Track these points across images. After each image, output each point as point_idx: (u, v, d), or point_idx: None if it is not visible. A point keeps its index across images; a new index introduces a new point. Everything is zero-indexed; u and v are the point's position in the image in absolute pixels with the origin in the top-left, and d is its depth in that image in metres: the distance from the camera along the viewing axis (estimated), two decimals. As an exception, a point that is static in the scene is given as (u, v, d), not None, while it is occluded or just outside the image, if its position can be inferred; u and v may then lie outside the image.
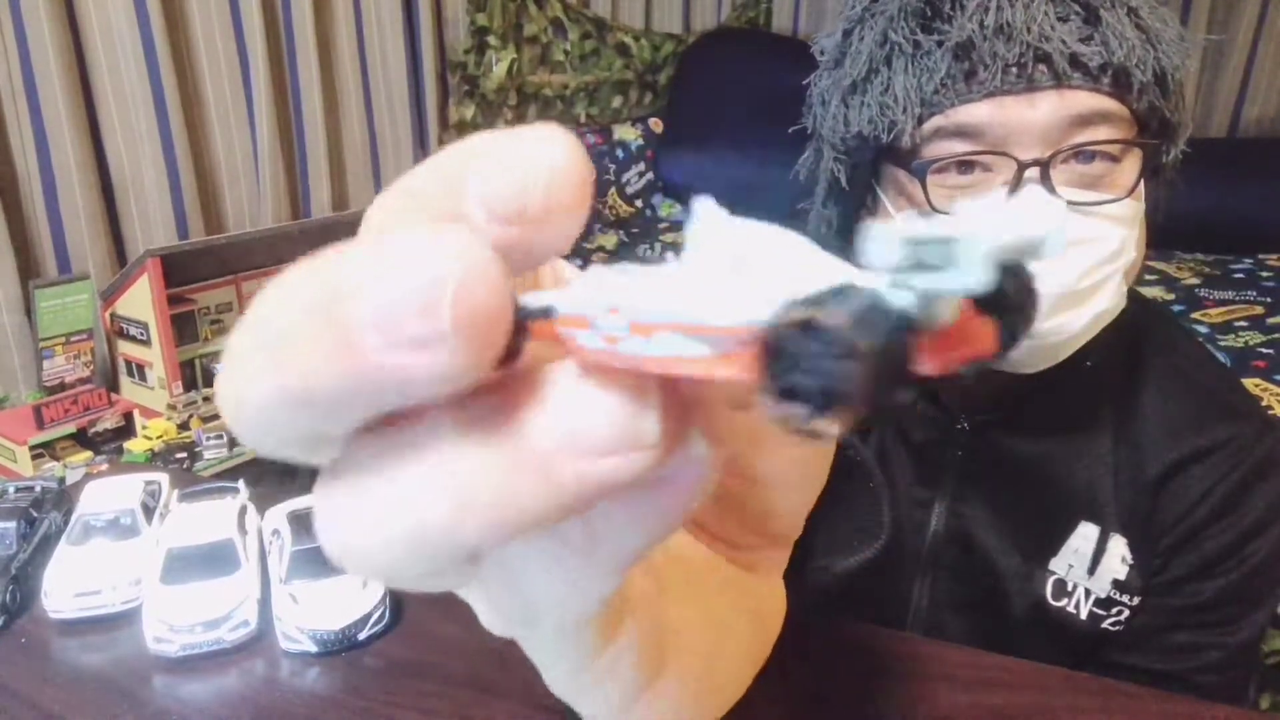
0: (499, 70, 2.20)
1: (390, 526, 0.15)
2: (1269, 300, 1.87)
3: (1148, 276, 2.04)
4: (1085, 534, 0.65)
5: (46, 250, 1.61)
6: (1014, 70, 0.55)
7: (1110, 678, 0.67)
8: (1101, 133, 0.56)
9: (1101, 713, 0.52)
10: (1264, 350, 1.62)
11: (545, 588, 0.18)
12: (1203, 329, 1.73)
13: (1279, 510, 0.66)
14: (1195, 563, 0.65)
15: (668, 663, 0.24)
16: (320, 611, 0.56)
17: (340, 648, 0.56)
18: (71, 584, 0.59)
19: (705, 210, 0.15)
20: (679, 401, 0.15)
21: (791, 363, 0.12)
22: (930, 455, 0.69)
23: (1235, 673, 0.67)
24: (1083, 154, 0.57)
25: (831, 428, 0.12)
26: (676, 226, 2.52)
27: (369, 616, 0.57)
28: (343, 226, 1.84)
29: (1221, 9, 2.51)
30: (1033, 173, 0.56)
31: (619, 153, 2.59)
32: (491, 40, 2.20)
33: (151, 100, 1.67)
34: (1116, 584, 0.65)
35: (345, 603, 0.57)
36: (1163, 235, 2.29)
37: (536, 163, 0.15)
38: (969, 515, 0.68)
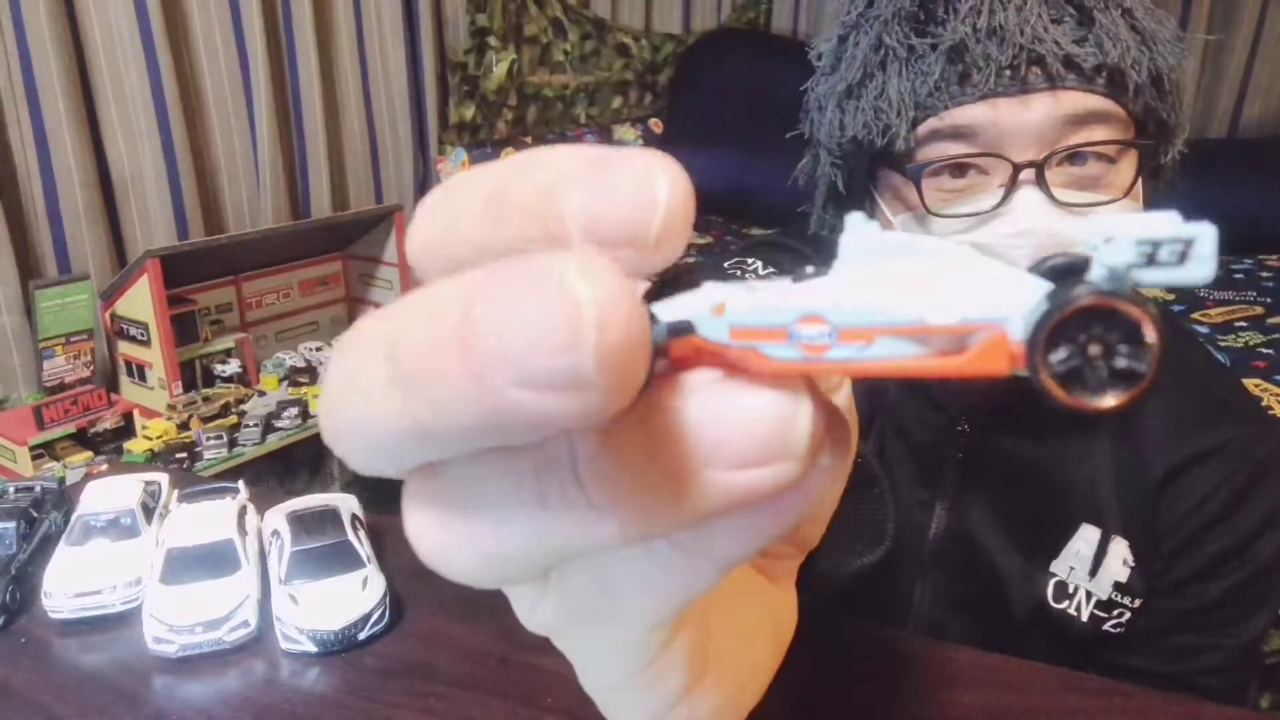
0: (499, 71, 2.20)
1: (496, 552, 0.15)
2: (1269, 301, 1.87)
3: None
4: (1086, 537, 0.65)
5: (46, 250, 1.61)
6: (1007, 72, 0.55)
7: (1112, 679, 0.68)
8: (1097, 134, 0.56)
9: (1101, 713, 0.52)
10: (1264, 350, 1.62)
11: (638, 586, 0.18)
12: (1203, 329, 1.73)
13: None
14: (1198, 565, 0.65)
15: (708, 668, 0.24)
16: (320, 612, 0.56)
17: (340, 648, 0.56)
18: (71, 584, 0.59)
19: (857, 223, 0.16)
20: (822, 411, 0.15)
21: (1076, 350, 0.14)
22: (931, 456, 0.68)
23: (1237, 674, 0.67)
24: (1078, 155, 0.57)
25: (1121, 403, 0.14)
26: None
27: (369, 616, 0.57)
28: (343, 226, 1.84)
29: (1221, 9, 2.51)
30: (1027, 174, 0.55)
31: (619, 153, 2.59)
32: (491, 41, 2.20)
33: (151, 100, 1.67)
34: (1118, 586, 0.65)
35: (345, 603, 0.57)
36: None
37: (653, 190, 0.14)
38: (970, 516, 0.68)
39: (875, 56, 0.60)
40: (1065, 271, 0.15)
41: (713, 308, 0.15)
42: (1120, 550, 0.65)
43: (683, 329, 0.15)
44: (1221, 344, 1.65)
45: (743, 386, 0.15)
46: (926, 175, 0.59)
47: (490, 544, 0.16)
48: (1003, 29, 0.55)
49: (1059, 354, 0.14)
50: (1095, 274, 0.14)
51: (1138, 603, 0.66)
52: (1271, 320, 1.77)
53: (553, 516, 0.15)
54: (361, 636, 0.56)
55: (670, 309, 0.15)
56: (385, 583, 0.59)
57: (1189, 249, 0.14)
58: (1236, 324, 1.76)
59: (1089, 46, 0.55)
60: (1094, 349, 0.14)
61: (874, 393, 0.70)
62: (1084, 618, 0.65)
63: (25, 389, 1.56)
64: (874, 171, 0.64)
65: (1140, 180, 0.59)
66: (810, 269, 0.16)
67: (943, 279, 0.15)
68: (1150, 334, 0.14)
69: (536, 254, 0.14)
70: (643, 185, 0.15)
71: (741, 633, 0.26)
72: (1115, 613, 0.65)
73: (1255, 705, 1.40)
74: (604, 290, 0.13)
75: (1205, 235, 0.14)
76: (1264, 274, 2.03)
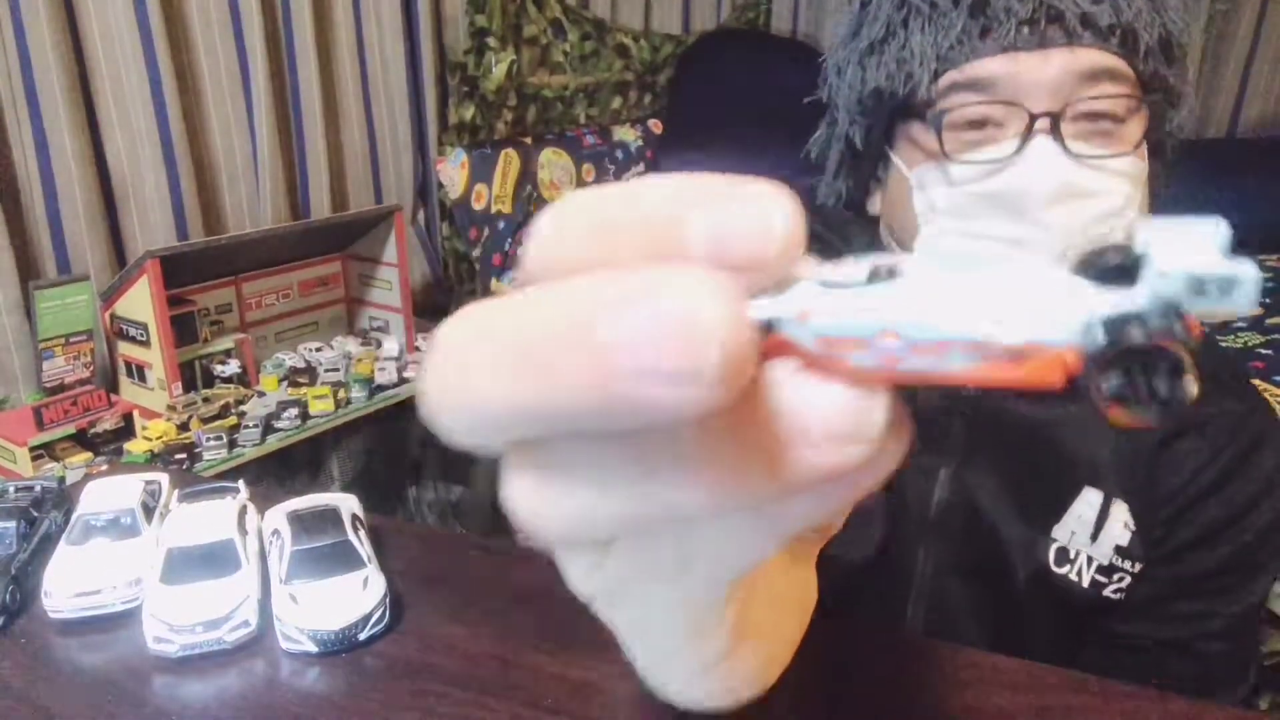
0: (498, 71, 2.20)
1: (594, 517, 0.17)
2: (1268, 301, 1.87)
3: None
4: (1089, 499, 0.66)
5: (46, 251, 1.61)
6: (1026, 28, 0.57)
7: (1114, 650, 0.68)
8: (1109, 90, 0.58)
9: (1101, 713, 0.52)
10: (1262, 351, 1.62)
11: (711, 550, 0.20)
12: (1202, 329, 1.74)
13: (1276, 480, 0.67)
14: (1196, 532, 0.66)
15: (746, 635, 0.25)
16: (320, 611, 0.56)
17: (340, 648, 0.56)
18: (71, 584, 0.59)
19: (926, 237, 0.19)
20: (893, 403, 0.17)
21: (1126, 377, 0.16)
22: (935, 423, 0.69)
23: (1237, 642, 0.68)
24: (1090, 112, 0.58)
25: (1160, 424, 0.16)
26: (676, 227, 2.52)
27: (369, 616, 0.57)
28: (342, 227, 1.84)
29: (1220, 9, 2.51)
30: (1043, 124, 0.57)
31: (618, 153, 2.59)
32: (491, 41, 2.20)
33: (151, 101, 1.67)
34: (1119, 550, 0.66)
35: (345, 603, 0.57)
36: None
37: (773, 218, 0.16)
38: (973, 482, 0.68)
39: (899, 15, 0.62)
40: (1117, 273, 0.16)
41: (799, 313, 0.17)
42: (1121, 513, 0.66)
43: (772, 326, 0.17)
44: (1220, 344, 1.66)
45: (827, 378, 0.17)
46: (946, 127, 0.60)
47: (589, 510, 0.17)
48: None
49: (1110, 380, 0.16)
50: (1145, 298, 0.16)
51: (1137, 567, 0.67)
52: (1270, 321, 1.77)
53: (653, 487, 0.16)
54: (361, 636, 0.57)
55: (760, 308, 0.17)
56: (385, 583, 0.59)
57: (1233, 286, 0.15)
58: (1235, 324, 1.76)
59: (1105, 5, 0.57)
60: (1140, 378, 0.16)
61: None
62: (1085, 583, 0.66)
63: (25, 390, 1.56)
64: (890, 130, 0.66)
65: (1146, 143, 0.61)
66: (886, 266, 0.17)
67: (1008, 291, 0.17)
68: (1190, 379, 0.16)
69: (664, 264, 0.15)
70: (765, 214, 0.16)
71: (775, 604, 0.28)
72: (1115, 578, 0.66)
73: (1255, 706, 1.40)
74: (727, 303, 0.14)
75: (1249, 277, 0.15)
76: (1263, 274, 2.03)
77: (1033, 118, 0.57)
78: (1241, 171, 2.19)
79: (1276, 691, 1.41)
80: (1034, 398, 0.67)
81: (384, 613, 0.58)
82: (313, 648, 0.56)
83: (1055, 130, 0.57)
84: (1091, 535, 0.66)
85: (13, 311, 1.54)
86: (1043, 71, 0.57)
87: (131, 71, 1.64)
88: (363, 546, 0.61)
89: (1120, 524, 0.66)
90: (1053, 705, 0.52)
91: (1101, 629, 0.68)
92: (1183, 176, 0.67)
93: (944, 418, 0.68)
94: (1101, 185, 0.58)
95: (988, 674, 0.55)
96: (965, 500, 0.69)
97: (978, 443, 0.68)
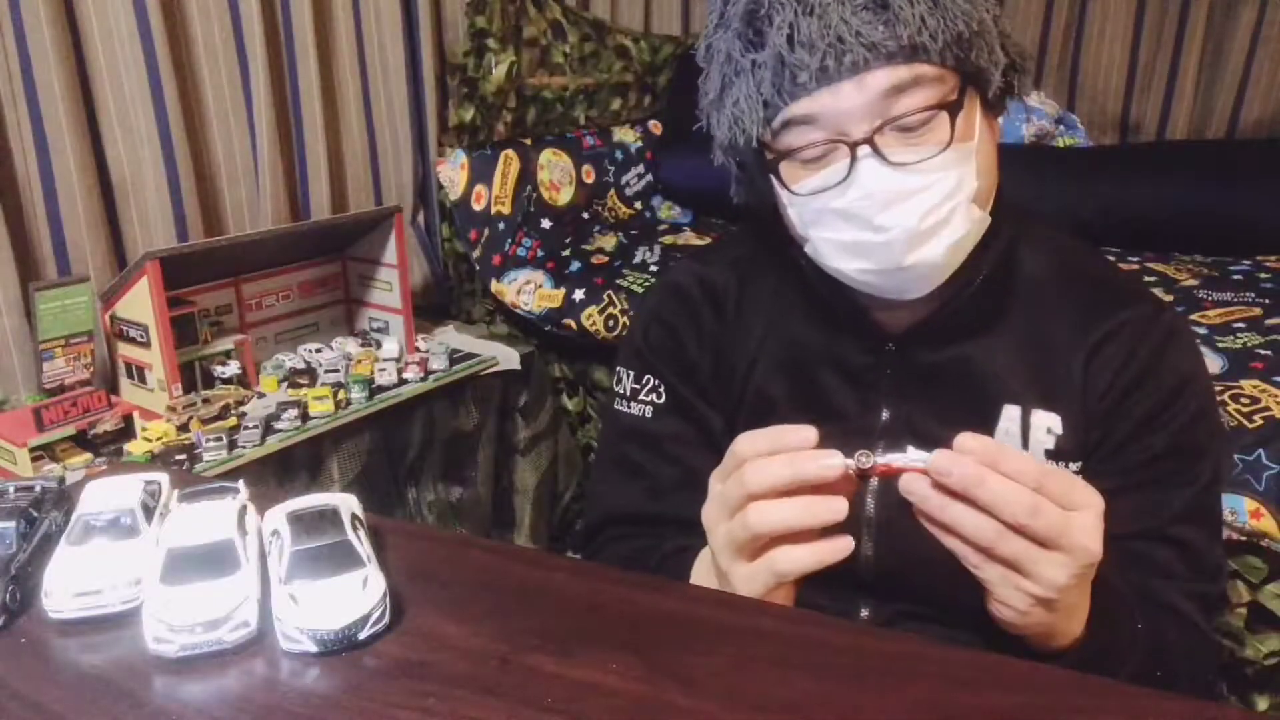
0: (498, 72, 2.20)
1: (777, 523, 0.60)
2: (1267, 302, 1.86)
3: (1147, 278, 2.04)
4: (1010, 415, 0.77)
5: (46, 252, 1.61)
6: (821, 71, 0.66)
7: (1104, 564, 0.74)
8: (916, 97, 0.67)
9: (1101, 713, 0.52)
10: (1262, 352, 1.62)
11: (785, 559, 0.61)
12: (1201, 330, 1.73)
13: (1195, 366, 0.78)
14: (1129, 427, 0.76)
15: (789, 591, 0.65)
16: (320, 611, 0.56)
17: (340, 648, 0.56)
18: (71, 584, 0.59)
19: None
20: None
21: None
22: (866, 378, 0.81)
23: (1205, 523, 0.77)
24: (902, 126, 0.67)
25: None
26: (676, 229, 2.52)
27: (369, 616, 0.57)
28: (342, 228, 1.84)
29: (1220, 9, 2.51)
30: (863, 149, 0.67)
31: (618, 154, 2.59)
32: (491, 43, 2.20)
33: (151, 102, 1.67)
34: (1048, 453, 0.76)
35: (345, 603, 0.57)
36: (1162, 236, 2.29)
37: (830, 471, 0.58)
38: (910, 419, 0.79)
39: (729, 68, 0.71)
40: None
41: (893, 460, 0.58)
42: (1042, 420, 0.77)
43: (875, 464, 0.59)
44: (1220, 345, 1.65)
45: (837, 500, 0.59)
46: (785, 162, 0.71)
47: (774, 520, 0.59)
48: (809, 38, 0.65)
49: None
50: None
51: (1074, 466, 0.76)
52: (1270, 321, 1.76)
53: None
54: (361, 636, 0.57)
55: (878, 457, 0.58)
56: (385, 583, 0.59)
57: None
58: (1235, 325, 1.76)
59: (886, 30, 0.65)
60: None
61: (798, 344, 0.83)
62: None
63: (25, 391, 1.56)
64: (759, 158, 0.75)
65: (966, 122, 0.69)
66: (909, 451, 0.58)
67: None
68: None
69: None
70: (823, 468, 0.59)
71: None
72: None
73: (1254, 706, 1.40)
74: (839, 462, 0.58)
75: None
76: (1262, 275, 2.03)
77: (853, 146, 0.67)
78: (1240, 172, 2.19)
79: (1276, 692, 1.41)
80: (934, 347, 0.79)
81: (384, 612, 0.58)
82: (313, 648, 0.56)
83: (876, 151, 0.66)
84: (1022, 446, 0.76)
85: (13, 312, 1.54)
86: (853, 100, 0.66)
87: (131, 71, 1.64)
88: (362, 546, 0.61)
89: (1043, 430, 0.76)
90: (1053, 705, 0.52)
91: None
92: (1183, 176, 0.69)
93: (875, 371, 0.80)
94: (924, 182, 0.67)
95: (987, 674, 0.55)
96: (907, 430, 0.79)
97: (906, 388, 0.80)
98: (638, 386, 0.88)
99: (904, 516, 0.78)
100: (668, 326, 0.88)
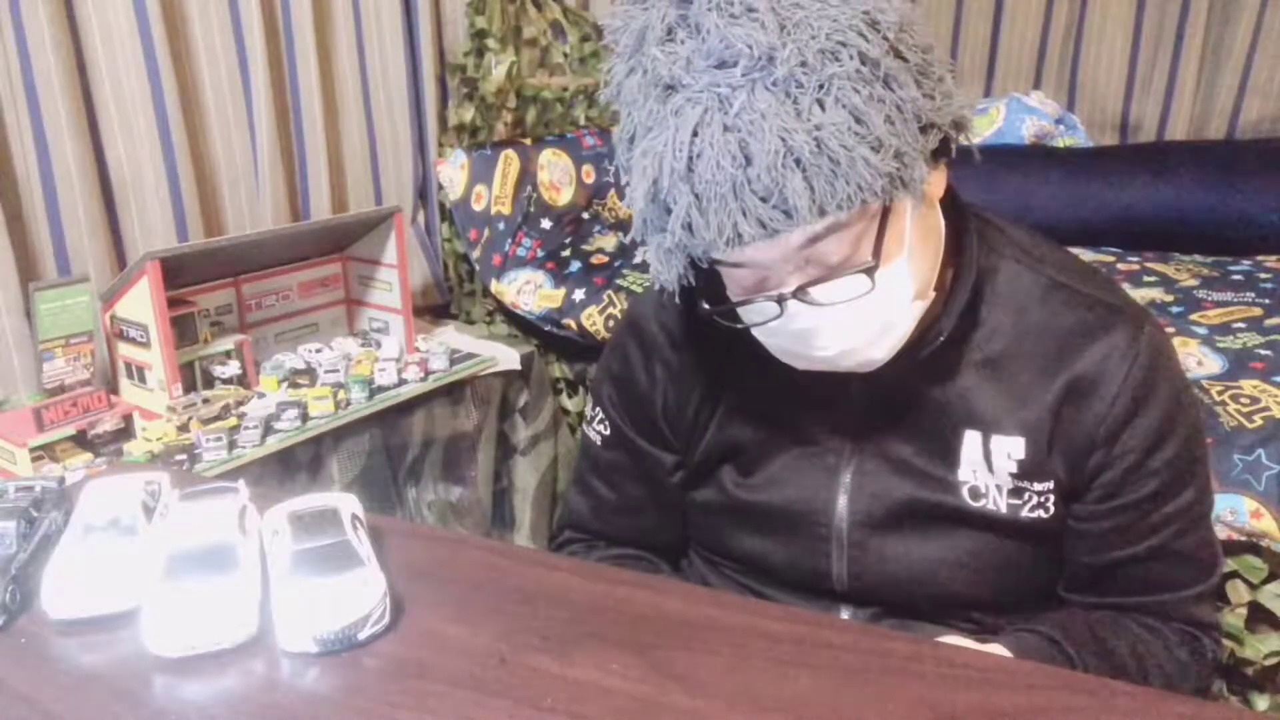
0: (498, 73, 2.20)
1: None
2: (1267, 302, 1.86)
3: (1146, 278, 2.04)
4: (971, 439, 0.78)
5: (46, 252, 1.61)
6: (727, 246, 0.62)
7: (1114, 571, 0.78)
8: (832, 244, 0.65)
9: (1101, 713, 0.52)
10: (1261, 352, 1.62)
11: None
12: (1201, 330, 1.73)
13: (1177, 393, 0.76)
14: (1119, 474, 0.76)
15: None
16: (320, 611, 0.56)
17: (340, 648, 0.56)
18: (71, 584, 0.59)
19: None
20: None
21: None
22: (832, 405, 0.81)
23: (1200, 532, 0.79)
24: (825, 266, 0.66)
25: None
26: (676, 228, 2.52)
27: (369, 616, 0.57)
28: (342, 228, 1.84)
29: (1220, 9, 2.51)
30: (787, 295, 0.66)
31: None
32: (491, 43, 2.20)
33: (151, 102, 1.67)
34: (1012, 475, 0.77)
35: (345, 603, 0.57)
36: (1162, 236, 2.29)
37: None
38: (877, 440, 0.80)
39: (654, 223, 0.67)
40: None
41: None
42: (1003, 445, 0.77)
43: None
44: (1219, 345, 1.65)
45: None
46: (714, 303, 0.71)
47: None
48: (703, 227, 0.62)
49: None
50: None
51: (1041, 485, 0.77)
52: (1269, 321, 1.76)
53: None
54: (361, 636, 0.57)
55: None
56: (385, 583, 0.59)
57: None
58: (1234, 325, 1.76)
59: (786, 219, 0.61)
60: None
61: (760, 382, 0.81)
62: (1003, 509, 0.78)
63: (25, 391, 1.56)
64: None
65: (894, 234, 0.66)
66: None
67: None
68: None
69: None
70: None
71: None
72: (1025, 498, 0.77)
73: (1254, 706, 1.40)
74: None
75: None
76: (1262, 275, 2.03)
77: (780, 301, 0.67)
78: (1240, 172, 2.18)
79: (1276, 692, 1.41)
80: (900, 370, 0.76)
81: (384, 612, 0.58)
82: (313, 648, 0.56)
83: (803, 296, 0.66)
84: (988, 468, 0.77)
85: (13, 312, 1.54)
86: (770, 254, 0.65)
87: (131, 71, 1.64)
88: (362, 546, 0.61)
89: (1004, 455, 0.77)
90: (1052, 705, 0.52)
91: (1080, 564, 0.80)
92: (1182, 177, 0.68)
93: (837, 389, 0.79)
94: (857, 313, 0.67)
95: (987, 674, 0.55)
96: (876, 451, 0.80)
97: (873, 411, 0.80)
98: (591, 414, 0.94)
99: (875, 536, 0.81)
100: (623, 361, 0.90)
